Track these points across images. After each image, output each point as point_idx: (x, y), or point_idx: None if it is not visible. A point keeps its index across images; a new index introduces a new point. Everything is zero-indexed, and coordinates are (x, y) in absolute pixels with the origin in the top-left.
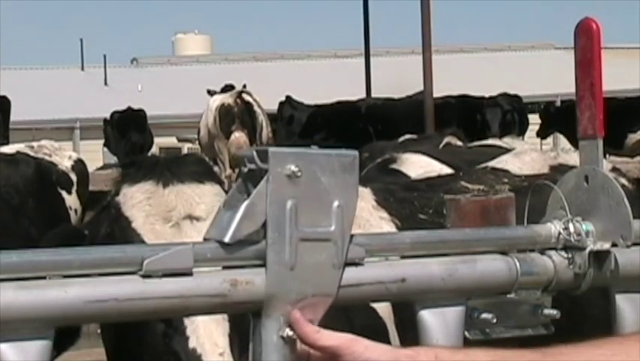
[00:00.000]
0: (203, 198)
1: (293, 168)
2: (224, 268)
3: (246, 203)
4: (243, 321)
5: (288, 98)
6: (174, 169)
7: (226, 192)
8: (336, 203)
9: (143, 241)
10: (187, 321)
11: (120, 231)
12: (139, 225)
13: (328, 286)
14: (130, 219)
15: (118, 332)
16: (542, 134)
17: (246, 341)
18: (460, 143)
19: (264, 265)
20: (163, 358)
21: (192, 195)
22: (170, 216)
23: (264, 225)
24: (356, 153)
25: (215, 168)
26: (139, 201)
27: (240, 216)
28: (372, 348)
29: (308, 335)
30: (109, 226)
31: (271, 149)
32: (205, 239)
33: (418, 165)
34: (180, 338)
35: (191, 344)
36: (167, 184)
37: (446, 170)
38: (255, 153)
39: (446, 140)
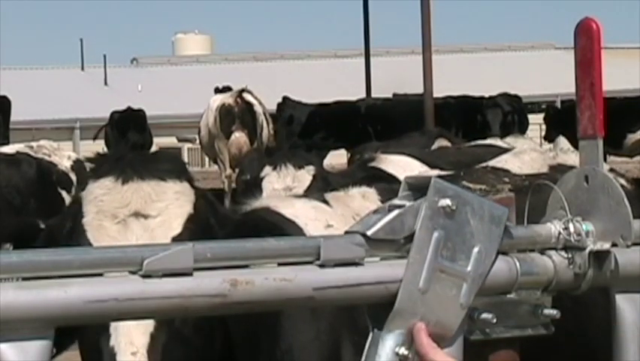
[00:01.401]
0: (160, 195)
1: (449, 202)
2: (237, 267)
3: (398, 210)
4: (173, 321)
5: (285, 98)
6: (137, 166)
7: (197, 189)
8: (477, 248)
9: (87, 238)
10: None
11: (76, 226)
12: (88, 221)
13: (451, 321)
14: (83, 214)
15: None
16: (549, 137)
17: (177, 340)
18: (448, 144)
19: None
20: (93, 355)
21: (150, 192)
22: (118, 213)
23: (406, 239)
24: (506, 209)
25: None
26: (95, 197)
27: (390, 219)
28: None
29: (425, 346)
30: (71, 220)
31: (434, 180)
32: (347, 232)
33: (396, 164)
34: (105, 336)
35: (111, 341)
36: (127, 181)
37: (426, 170)
38: (422, 182)
39: (437, 143)
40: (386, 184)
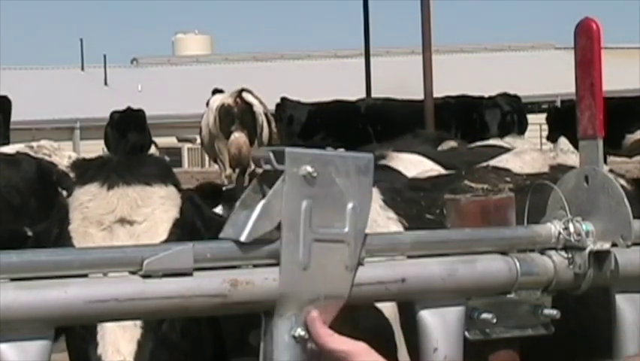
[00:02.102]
0: (146, 201)
1: (309, 168)
2: (234, 267)
3: (262, 202)
4: (160, 327)
5: (284, 99)
6: (122, 171)
7: (183, 192)
8: (350, 205)
9: (73, 245)
10: (99, 326)
11: (62, 233)
12: (74, 227)
13: (340, 288)
14: (69, 221)
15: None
16: (551, 138)
17: (164, 346)
18: (455, 144)
19: (277, 265)
20: None
21: (135, 197)
22: (104, 219)
23: (280, 225)
24: (371, 155)
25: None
26: (80, 204)
27: (257, 216)
28: None
29: (322, 336)
30: (58, 227)
31: (287, 149)
32: (220, 238)
33: (409, 163)
34: (92, 343)
35: (99, 349)
36: (112, 186)
37: (438, 169)
38: (271, 154)
39: (445, 145)
40: (388, 183)
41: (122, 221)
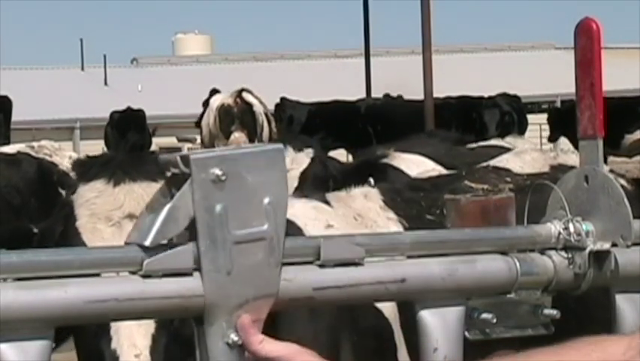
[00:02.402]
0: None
1: (217, 172)
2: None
3: (168, 206)
4: (173, 322)
5: (283, 99)
6: (128, 168)
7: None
8: (266, 200)
9: (83, 241)
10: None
11: (69, 230)
12: (82, 224)
13: (269, 286)
14: (76, 217)
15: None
16: (553, 138)
17: (177, 341)
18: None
19: (198, 270)
20: (92, 358)
21: (142, 194)
22: (112, 215)
23: (189, 228)
24: (281, 146)
25: None
26: (87, 200)
27: (162, 220)
28: None
29: (251, 344)
30: (63, 224)
31: (192, 155)
32: (127, 243)
33: (410, 163)
34: (105, 339)
35: (113, 344)
36: (119, 183)
37: (440, 169)
38: (178, 158)
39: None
40: (388, 184)
41: (131, 217)
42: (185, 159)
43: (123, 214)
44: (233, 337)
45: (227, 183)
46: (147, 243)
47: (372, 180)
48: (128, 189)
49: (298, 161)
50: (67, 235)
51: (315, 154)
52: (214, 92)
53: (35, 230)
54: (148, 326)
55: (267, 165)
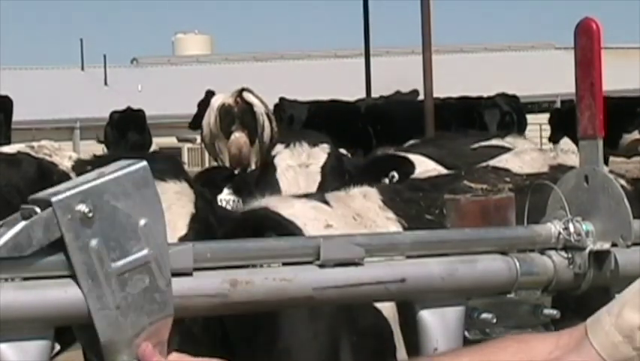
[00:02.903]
0: (162, 196)
1: (83, 209)
2: (235, 267)
3: (21, 225)
4: (182, 321)
5: (282, 99)
6: None
7: (195, 188)
8: (142, 222)
9: None
10: None
11: None
12: None
13: (163, 308)
14: None
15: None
16: (554, 138)
17: (187, 340)
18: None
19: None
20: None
21: None
22: None
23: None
24: (144, 163)
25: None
26: None
27: (11, 236)
28: None
29: None
30: None
31: (52, 197)
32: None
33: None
34: None
35: None
36: None
37: (440, 169)
38: (35, 206)
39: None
40: (388, 184)
41: None
42: (45, 203)
43: None
44: None
45: (95, 216)
46: None
47: (395, 174)
48: None
49: (315, 156)
50: None
51: (330, 149)
52: (209, 92)
53: None
54: None
55: (134, 187)
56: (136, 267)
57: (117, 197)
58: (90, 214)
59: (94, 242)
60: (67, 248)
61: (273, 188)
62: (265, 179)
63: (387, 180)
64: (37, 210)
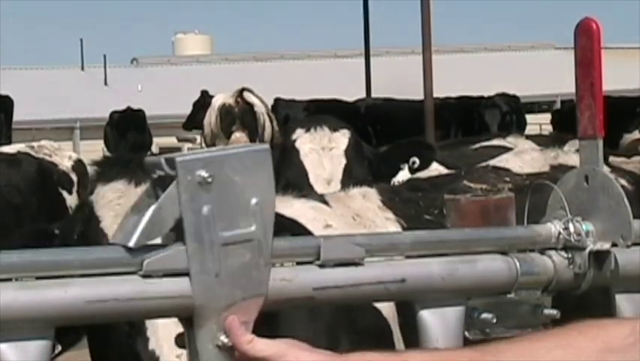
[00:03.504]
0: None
1: (203, 174)
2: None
3: (153, 208)
4: None
5: (277, 99)
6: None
7: None
8: (253, 201)
9: (109, 242)
10: (148, 323)
11: (91, 231)
12: (107, 225)
13: (257, 287)
14: (100, 218)
15: (90, 332)
16: None
17: None
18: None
19: (187, 274)
20: (127, 359)
21: None
22: None
23: (175, 230)
24: (267, 146)
25: None
26: (109, 201)
27: (146, 221)
28: (304, 356)
29: (241, 344)
30: (82, 225)
31: (178, 157)
32: (111, 244)
33: None
34: (141, 340)
35: (151, 345)
36: (140, 183)
37: (441, 169)
38: (162, 160)
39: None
40: (388, 184)
41: None
42: (171, 162)
43: None
44: (223, 339)
45: (213, 185)
46: (131, 244)
47: (417, 160)
48: None
49: (336, 140)
50: (90, 236)
51: (351, 134)
52: (205, 93)
53: (56, 231)
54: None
55: (254, 166)
56: (240, 241)
57: (236, 171)
58: (209, 179)
59: (206, 208)
60: (181, 207)
61: (300, 170)
62: (290, 161)
63: (407, 166)
64: (163, 161)
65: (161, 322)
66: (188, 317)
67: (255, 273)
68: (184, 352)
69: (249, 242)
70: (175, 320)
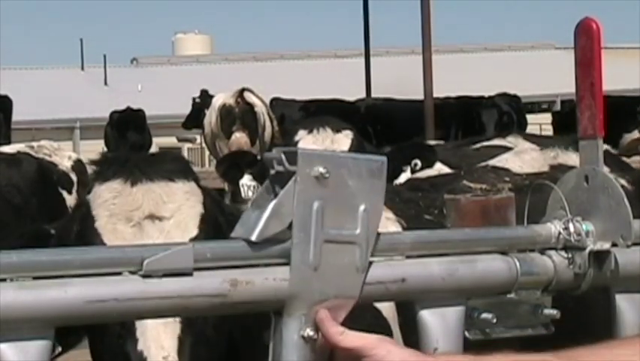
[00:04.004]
0: (171, 197)
1: (321, 169)
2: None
3: (273, 202)
4: (197, 323)
5: (274, 99)
6: (145, 167)
7: (203, 188)
8: (362, 207)
9: (103, 241)
10: (137, 323)
11: (87, 230)
12: (101, 224)
13: (351, 289)
14: (95, 218)
15: (90, 332)
16: None
17: (201, 341)
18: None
19: (288, 264)
20: (117, 359)
21: (161, 193)
22: (133, 215)
23: (291, 225)
24: (384, 158)
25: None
26: (105, 200)
27: (268, 216)
28: (394, 352)
29: (333, 335)
30: (79, 224)
31: (300, 150)
32: (232, 237)
33: None
34: (131, 340)
35: (139, 346)
36: (136, 183)
37: (444, 168)
38: (283, 155)
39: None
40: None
41: (152, 217)
42: (292, 155)
43: (143, 215)
44: (309, 331)
45: (329, 182)
46: (253, 238)
47: (419, 162)
48: (146, 189)
49: (338, 141)
50: (85, 235)
51: (353, 135)
52: (204, 92)
53: (53, 231)
54: (174, 327)
55: (368, 174)
56: (343, 242)
57: (351, 175)
58: (326, 175)
59: (317, 203)
60: (294, 198)
61: None
62: None
63: (409, 168)
64: (283, 156)
65: (149, 322)
66: (279, 306)
67: (351, 275)
68: (171, 353)
69: (351, 245)
70: (165, 320)
